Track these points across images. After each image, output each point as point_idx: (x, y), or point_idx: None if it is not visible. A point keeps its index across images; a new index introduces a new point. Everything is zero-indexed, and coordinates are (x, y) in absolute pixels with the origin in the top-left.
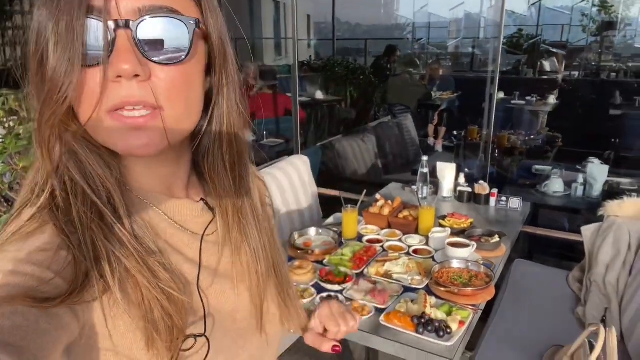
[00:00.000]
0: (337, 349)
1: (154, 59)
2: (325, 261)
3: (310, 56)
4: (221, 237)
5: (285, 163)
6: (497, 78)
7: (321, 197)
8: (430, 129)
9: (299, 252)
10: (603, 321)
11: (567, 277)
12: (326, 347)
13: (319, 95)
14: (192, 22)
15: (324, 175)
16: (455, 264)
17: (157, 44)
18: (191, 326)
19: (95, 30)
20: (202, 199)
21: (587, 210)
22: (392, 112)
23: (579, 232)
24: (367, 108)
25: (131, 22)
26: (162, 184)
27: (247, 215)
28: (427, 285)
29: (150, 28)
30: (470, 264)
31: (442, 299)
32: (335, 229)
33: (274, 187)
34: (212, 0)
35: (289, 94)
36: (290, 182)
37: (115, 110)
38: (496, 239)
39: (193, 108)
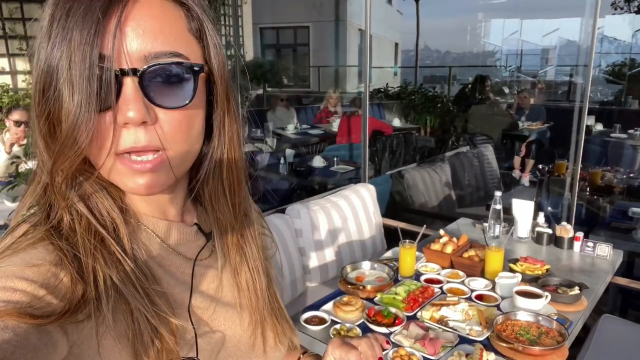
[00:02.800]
0: None
1: (160, 103)
2: (376, 299)
3: (387, 83)
4: (220, 260)
5: (349, 191)
6: (586, 108)
7: (387, 228)
8: (517, 160)
9: (349, 287)
10: None
11: None
12: None
13: (397, 122)
14: (196, 67)
15: (393, 205)
16: (523, 317)
17: (162, 90)
18: (186, 350)
19: (105, 77)
20: (195, 224)
21: None
22: (473, 141)
23: None
24: (445, 137)
25: (138, 70)
26: (158, 208)
27: (246, 236)
28: (487, 338)
29: (155, 75)
30: (541, 318)
31: (503, 356)
32: (391, 265)
33: (336, 215)
34: (213, 37)
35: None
36: (353, 211)
37: (123, 154)
38: (576, 290)
39: (194, 145)
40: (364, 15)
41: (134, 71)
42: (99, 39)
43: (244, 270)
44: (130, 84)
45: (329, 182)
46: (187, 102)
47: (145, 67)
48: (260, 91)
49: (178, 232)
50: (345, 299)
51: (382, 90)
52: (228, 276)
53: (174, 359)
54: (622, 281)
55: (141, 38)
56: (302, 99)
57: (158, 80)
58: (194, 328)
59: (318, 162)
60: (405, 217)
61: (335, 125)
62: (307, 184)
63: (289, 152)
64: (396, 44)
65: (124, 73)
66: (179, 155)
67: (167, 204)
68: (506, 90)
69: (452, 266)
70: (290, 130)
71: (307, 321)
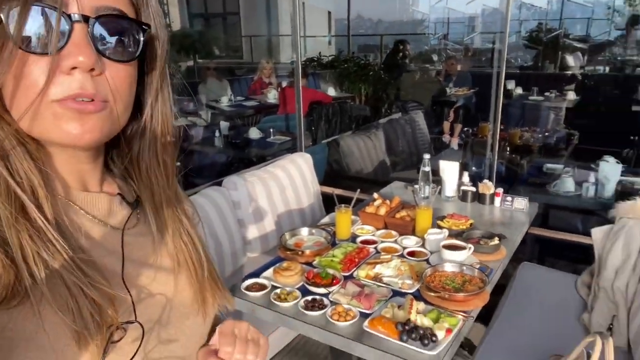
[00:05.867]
0: None
1: (108, 55)
2: (315, 262)
3: (320, 52)
4: (154, 228)
5: (286, 161)
6: (504, 72)
7: (325, 195)
8: (446, 125)
9: (288, 253)
10: (610, 329)
11: (575, 281)
12: None
13: (331, 92)
14: (144, 26)
15: (331, 173)
16: (449, 268)
17: (111, 42)
18: (126, 316)
19: (51, 20)
20: (118, 194)
21: (600, 211)
22: (405, 108)
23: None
24: (378, 105)
25: (90, 18)
26: (78, 179)
27: (177, 205)
28: (417, 290)
29: (106, 26)
30: (464, 267)
31: (431, 304)
32: (329, 229)
33: (274, 185)
34: (154, 5)
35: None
36: (291, 181)
37: (64, 100)
38: (495, 241)
39: (129, 106)
40: None
41: (85, 18)
42: None
43: (180, 235)
44: (79, 31)
45: (266, 154)
46: (133, 57)
47: (97, 16)
48: (191, 63)
49: (102, 203)
50: (285, 264)
51: (316, 59)
52: (163, 242)
53: (114, 325)
54: (538, 231)
55: None
56: (235, 70)
57: (108, 33)
58: (130, 294)
59: (254, 133)
60: (342, 184)
61: (270, 96)
62: (244, 157)
63: (224, 124)
64: (329, 13)
65: (74, 19)
66: (120, 111)
67: (87, 176)
68: (435, 58)
69: (385, 227)
70: (225, 102)
71: (247, 288)
